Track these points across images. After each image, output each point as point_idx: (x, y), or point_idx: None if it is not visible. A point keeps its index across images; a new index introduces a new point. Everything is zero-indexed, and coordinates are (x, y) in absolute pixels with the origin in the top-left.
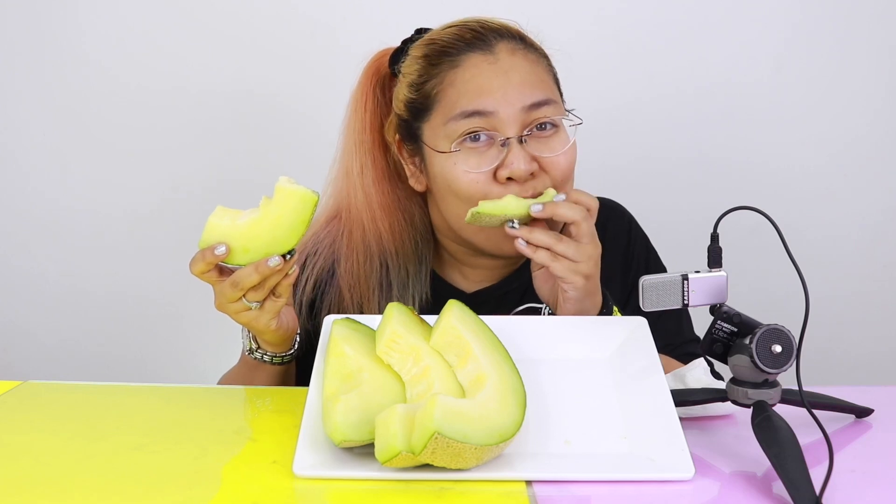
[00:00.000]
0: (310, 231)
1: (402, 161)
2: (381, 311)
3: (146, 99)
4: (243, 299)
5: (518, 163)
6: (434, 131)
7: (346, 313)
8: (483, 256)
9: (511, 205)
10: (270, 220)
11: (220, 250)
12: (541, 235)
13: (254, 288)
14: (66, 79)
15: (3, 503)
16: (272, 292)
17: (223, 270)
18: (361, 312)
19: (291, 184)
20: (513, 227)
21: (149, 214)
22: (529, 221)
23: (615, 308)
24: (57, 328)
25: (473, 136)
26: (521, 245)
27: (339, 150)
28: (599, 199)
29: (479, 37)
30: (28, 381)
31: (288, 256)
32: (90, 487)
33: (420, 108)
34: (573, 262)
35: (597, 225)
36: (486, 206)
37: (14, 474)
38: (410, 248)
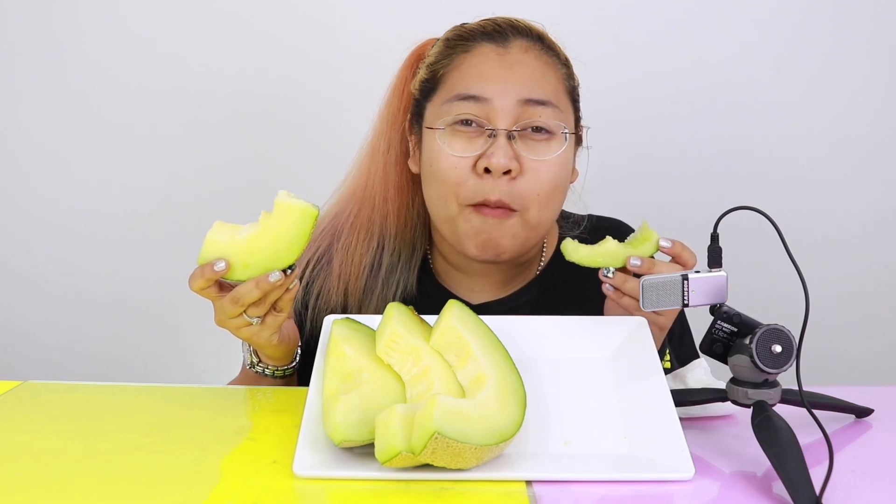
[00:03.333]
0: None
1: (409, 140)
2: (364, 294)
3: (146, 99)
4: (244, 315)
5: (498, 156)
6: (433, 110)
7: (330, 291)
8: (470, 259)
9: (609, 250)
10: (271, 235)
11: (220, 266)
12: (633, 287)
13: (255, 303)
14: (66, 79)
15: (3, 503)
16: (273, 307)
17: (223, 286)
18: (345, 292)
19: (291, 198)
20: (607, 275)
21: (149, 215)
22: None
23: (666, 355)
24: (57, 328)
25: (465, 122)
26: (608, 290)
27: (371, 129)
28: (601, 217)
29: (498, 30)
30: (28, 381)
31: (288, 271)
32: (90, 487)
33: (429, 87)
34: (656, 314)
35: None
36: (583, 255)
37: (14, 474)
38: (409, 233)
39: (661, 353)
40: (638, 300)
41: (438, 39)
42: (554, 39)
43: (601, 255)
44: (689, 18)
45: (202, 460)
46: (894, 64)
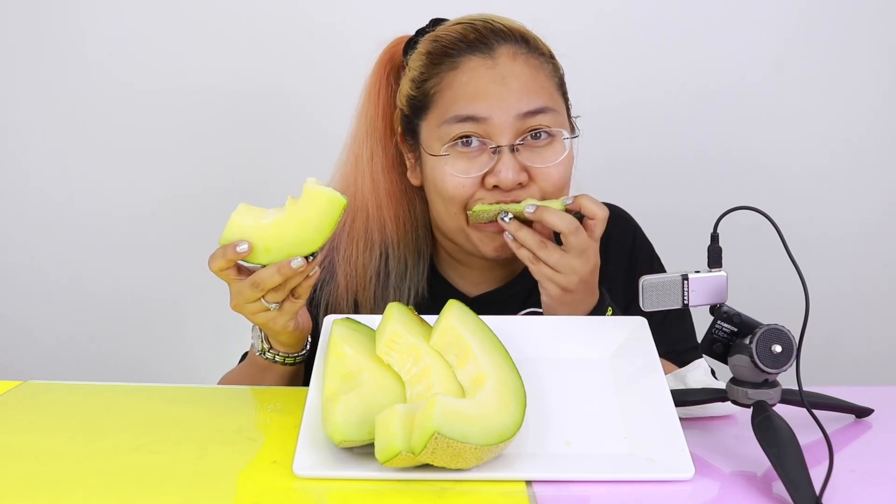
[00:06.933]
0: None
1: (404, 153)
2: (375, 303)
3: (146, 99)
4: (262, 300)
5: (506, 172)
6: (429, 132)
7: (339, 304)
8: (476, 257)
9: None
10: (297, 221)
11: (242, 248)
12: (526, 236)
13: (274, 289)
14: (66, 79)
15: (4, 503)
16: (291, 293)
17: (241, 269)
18: (356, 304)
19: (320, 185)
20: (504, 219)
21: (149, 214)
22: (526, 221)
23: (609, 312)
24: (57, 328)
25: (465, 140)
26: (507, 238)
27: (350, 137)
28: (606, 205)
29: (481, 38)
30: (28, 381)
31: (310, 258)
32: (90, 487)
33: (419, 105)
34: (554, 270)
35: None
36: (483, 205)
37: (14, 474)
38: (412, 239)
39: (604, 307)
40: (533, 252)
41: (415, 49)
42: (535, 34)
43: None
44: (689, 18)
45: (202, 460)
46: (894, 64)
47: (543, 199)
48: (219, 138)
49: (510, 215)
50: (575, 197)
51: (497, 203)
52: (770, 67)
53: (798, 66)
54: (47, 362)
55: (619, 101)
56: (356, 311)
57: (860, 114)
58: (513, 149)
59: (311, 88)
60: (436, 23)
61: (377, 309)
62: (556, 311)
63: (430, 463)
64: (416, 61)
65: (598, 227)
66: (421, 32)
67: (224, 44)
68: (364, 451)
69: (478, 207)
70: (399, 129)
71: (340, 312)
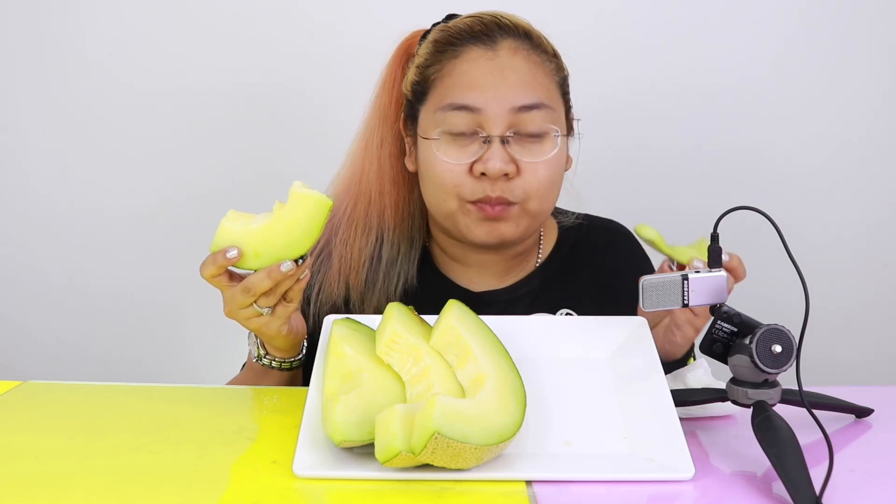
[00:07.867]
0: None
1: (404, 138)
2: (365, 287)
3: (147, 99)
4: (254, 305)
5: (494, 161)
6: (426, 117)
7: (331, 285)
8: (468, 249)
9: (678, 249)
10: (285, 225)
11: (232, 254)
12: None
13: (265, 293)
14: (66, 79)
15: (3, 503)
16: (283, 297)
17: (233, 276)
18: (347, 286)
19: (306, 188)
20: (671, 266)
21: (149, 215)
22: (677, 264)
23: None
24: (57, 328)
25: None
26: None
27: (363, 125)
28: (605, 220)
29: (485, 31)
30: (28, 381)
31: (300, 261)
32: (90, 487)
33: (420, 91)
34: (695, 315)
35: (599, 248)
36: (658, 239)
37: (14, 474)
38: (407, 226)
39: (690, 354)
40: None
41: (426, 38)
42: (540, 32)
43: (672, 250)
44: (689, 18)
45: (202, 460)
46: (894, 64)
47: (527, 195)
48: (219, 138)
49: (676, 263)
50: (731, 255)
51: (658, 238)
52: (770, 67)
53: (798, 66)
54: (47, 362)
55: (619, 101)
56: (346, 294)
57: (860, 114)
58: (503, 140)
59: (311, 88)
60: (450, 18)
61: (367, 292)
62: (680, 349)
63: (430, 463)
64: (423, 49)
65: (738, 281)
66: (436, 25)
67: (224, 44)
68: (364, 451)
69: (648, 233)
70: (402, 114)
71: (332, 293)
